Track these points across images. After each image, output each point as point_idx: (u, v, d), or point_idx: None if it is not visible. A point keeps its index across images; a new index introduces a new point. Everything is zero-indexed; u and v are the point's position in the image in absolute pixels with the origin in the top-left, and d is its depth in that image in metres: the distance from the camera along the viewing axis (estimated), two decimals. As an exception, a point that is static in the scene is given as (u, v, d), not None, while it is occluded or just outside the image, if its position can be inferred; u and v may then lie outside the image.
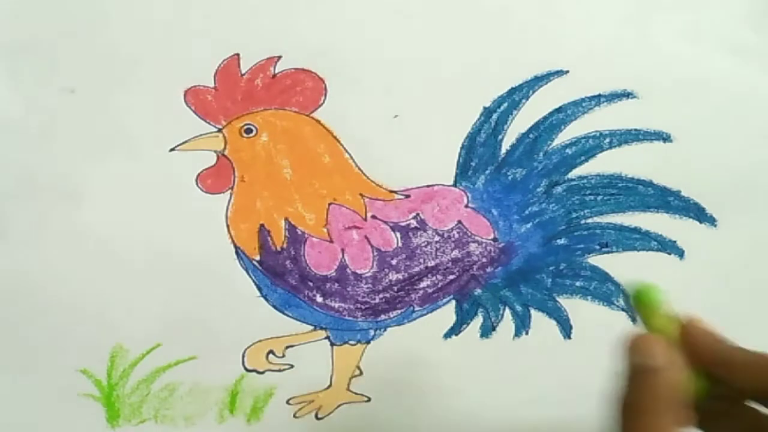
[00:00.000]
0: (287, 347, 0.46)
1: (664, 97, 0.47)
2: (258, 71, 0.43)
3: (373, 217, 0.45)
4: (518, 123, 0.45)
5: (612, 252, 0.48)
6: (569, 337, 0.49)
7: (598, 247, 0.48)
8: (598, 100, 0.46)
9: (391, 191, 0.45)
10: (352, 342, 0.47)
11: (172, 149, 0.43)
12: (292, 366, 0.47)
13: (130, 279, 0.44)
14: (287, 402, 0.47)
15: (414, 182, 0.46)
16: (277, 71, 0.43)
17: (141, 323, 0.44)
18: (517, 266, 0.47)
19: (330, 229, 0.45)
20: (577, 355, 0.49)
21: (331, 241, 0.45)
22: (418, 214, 0.46)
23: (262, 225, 0.44)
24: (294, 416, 0.47)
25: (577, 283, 0.48)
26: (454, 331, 0.48)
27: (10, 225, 0.42)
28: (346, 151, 0.44)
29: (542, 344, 0.48)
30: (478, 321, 0.48)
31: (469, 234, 0.46)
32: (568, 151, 0.46)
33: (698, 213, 0.48)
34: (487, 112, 0.45)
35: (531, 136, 0.46)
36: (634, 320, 0.49)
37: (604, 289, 0.48)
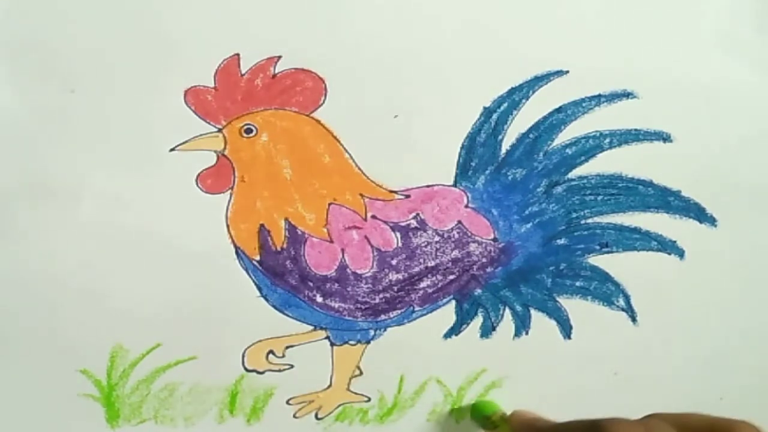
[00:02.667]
0: (287, 347, 0.46)
1: (664, 97, 0.47)
2: (258, 71, 0.43)
3: (373, 217, 0.45)
4: (518, 123, 0.45)
5: (612, 252, 0.48)
6: (569, 337, 0.49)
7: (598, 247, 0.48)
8: (598, 100, 0.46)
9: (391, 191, 0.45)
10: (352, 342, 0.47)
11: (172, 149, 0.43)
12: (292, 366, 0.47)
13: (129, 279, 0.44)
14: (287, 402, 0.47)
15: (414, 182, 0.46)
16: (277, 71, 0.43)
17: (141, 323, 0.44)
18: (517, 266, 0.47)
19: (330, 229, 0.45)
20: (577, 355, 0.49)
21: (331, 241, 0.45)
22: (418, 214, 0.46)
23: (262, 225, 0.44)
24: (294, 416, 0.47)
25: (577, 283, 0.48)
26: (454, 331, 0.48)
27: (10, 225, 0.42)
28: (346, 151, 0.44)
29: (542, 344, 0.48)
30: (478, 321, 0.48)
31: (469, 234, 0.46)
32: (568, 151, 0.46)
33: (698, 213, 0.48)
34: (487, 112, 0.45)
35: (531, 136, 0.46)
36: (634, 320, 0.49)
37: (604, 289, 0.48)
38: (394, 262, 0.46)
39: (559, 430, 0.38)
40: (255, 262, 0.45)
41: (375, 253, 0.46)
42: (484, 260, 0.47)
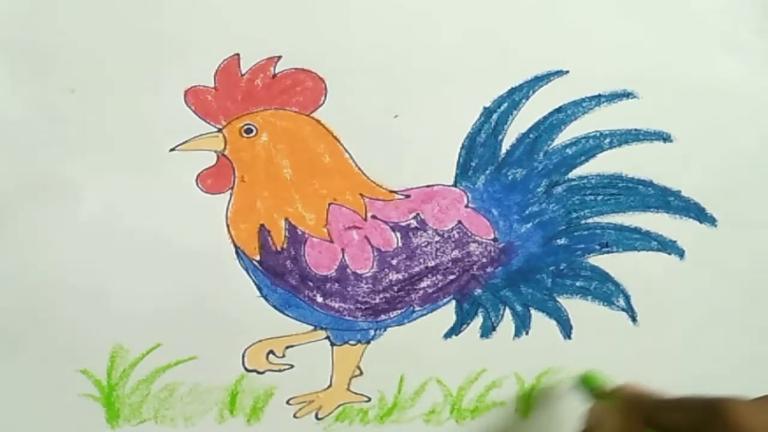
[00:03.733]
0: (287, 347, 0.46)
1: (664, 97, 0.47)
2: (258, 71, 0.43)
3: (373, 217, 0.45)
4: (518, 123, 0.46)
5: (612, 252, 0.48)
6: (569, 337, 0.49)
7: (598, 247, 0.48)
8: (598, 100, 0.46)
9: (391, 191, 0.45)
10: (352, 342, 0.47)
11: (172, 149, 0.43)
12: (292, 366, 0.47)
13: (129, 279, 0.44)
14: (287, 402, 0.47)
15: (414, 182, 0.46)
16: (277, 71, 0.43)
17: (141, 323, 0.44)
18: (517, 266, 0.47)
19: (330, 229, 0.45)
20: (577, 355, 0.49)
21: (331, 241, 0.45)
22: (418, 214, 0.46)
23: (262, 225, 0.44)
24: (294, 416, 0.47)
25: (577, 283, 0.48)
26: (454, 331, 0.48)
27: (10, 225, 0.42)
28: (346, 151, 0.44)
29: (542, 344, 0.48)
30: (478, 321, 0.48)
31: (469, 234, 0.46)
32: (568, 151, 0.46)
33: (698, 213, 0.48)
34: (487, 112, 0.45)
35: (531, 136, 0.46)
36: (634, 320, 0.49)
37: (604, 289, 0.48)
38: (394, 262, 0.46)
39: (671, 406, 0.36)
40: (255, 262, 0.45)
41: (375, 253, 0.46)
42: (484, 260, 0.47)
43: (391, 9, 0.44)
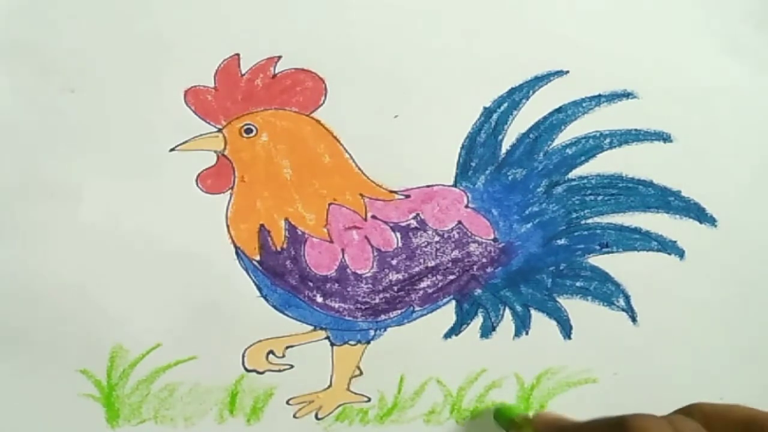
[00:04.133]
0: (287, 347, 0.46)
1: (664, 97, 0.47)
2: (258, 71, 0.43)
3: (373, 217, 0.45)
4: (518, 123, 0.46)
5: (612, 252, 0.48)
6: (569, 337, 0.49)
7: (598, 247, 0.48)
8: (598, 100, 0.46)
9: (391, 191, 0.45)
10: (352, 342, 0.47)
11: (172, 149, 0.43)
12: (292, 366, 0.47)
13: (129, 279, 0.44)
14: (287, 402, 0.47)
15: (414, 182, 0.46)
16: (277, 71, 0.43)
17: (141, 323, 0.44)
18: (517, 266, 0.47)
19: (330, 229, 0.45)
20: (577, 355, 0.49)
21: (331, 241, 0.45)
22: (418, 214, 0.46)
23: (262, 225, 0.44)
24: (294, 416, 0.47)
25: (577, 284, 0.48)
26: (454, 331, 0.48)
27: (10, 225, 0.42)
28: (346, 151, 0.44)
29: (542, 344, 0.48)
30: (478, 321, 0.48)
31: (469, 234, 0.46)
32: (569, 151, 0.46)
33: (698, 213, 0.48)
34: (487, 112, 0.45)
35: (531, 136, 0.46)
36: (634, 320, 0.49)
37: (604, 289, 0.48)
38: (394, 262, 0.46)
39: (583, 428, 0.37)
40: (255, 262, 0.45)
41: (375, 253, 0.46)
42: (484, 260, 0.47)
43: (391, 9, 0.44)
